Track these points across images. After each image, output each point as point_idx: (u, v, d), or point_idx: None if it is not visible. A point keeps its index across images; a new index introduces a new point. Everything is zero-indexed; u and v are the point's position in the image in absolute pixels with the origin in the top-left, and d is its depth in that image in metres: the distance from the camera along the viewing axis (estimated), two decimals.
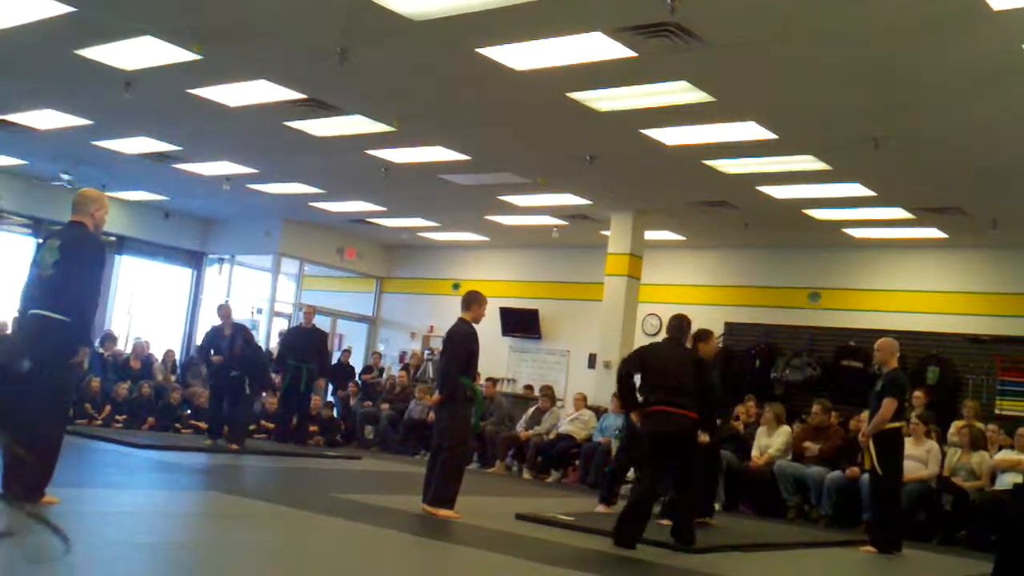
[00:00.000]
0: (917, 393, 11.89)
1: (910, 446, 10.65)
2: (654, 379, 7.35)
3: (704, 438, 7.84)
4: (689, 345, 8.58)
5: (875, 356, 9.11)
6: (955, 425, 11.26)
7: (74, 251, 6.10)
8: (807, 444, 11.39)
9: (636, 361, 7.52)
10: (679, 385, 7.23)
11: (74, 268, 6.06)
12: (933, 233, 12.92)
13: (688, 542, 7.19)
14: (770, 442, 11.37)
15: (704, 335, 8.74)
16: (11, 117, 12.36)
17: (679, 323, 7.75)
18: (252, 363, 12.48)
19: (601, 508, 9.22)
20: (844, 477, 10.79)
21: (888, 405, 8.46)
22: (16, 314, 10.08)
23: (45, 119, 12.28)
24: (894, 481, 8.69)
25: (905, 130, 9.18)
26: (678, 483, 7.51)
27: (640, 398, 7.46)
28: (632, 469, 9.08)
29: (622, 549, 6.88)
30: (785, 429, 11.58)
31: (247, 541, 5.97)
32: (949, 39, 7.14)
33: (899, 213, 12.15)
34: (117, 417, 13.51)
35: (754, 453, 11.51)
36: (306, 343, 13.53)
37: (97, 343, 14.93)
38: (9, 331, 12.48)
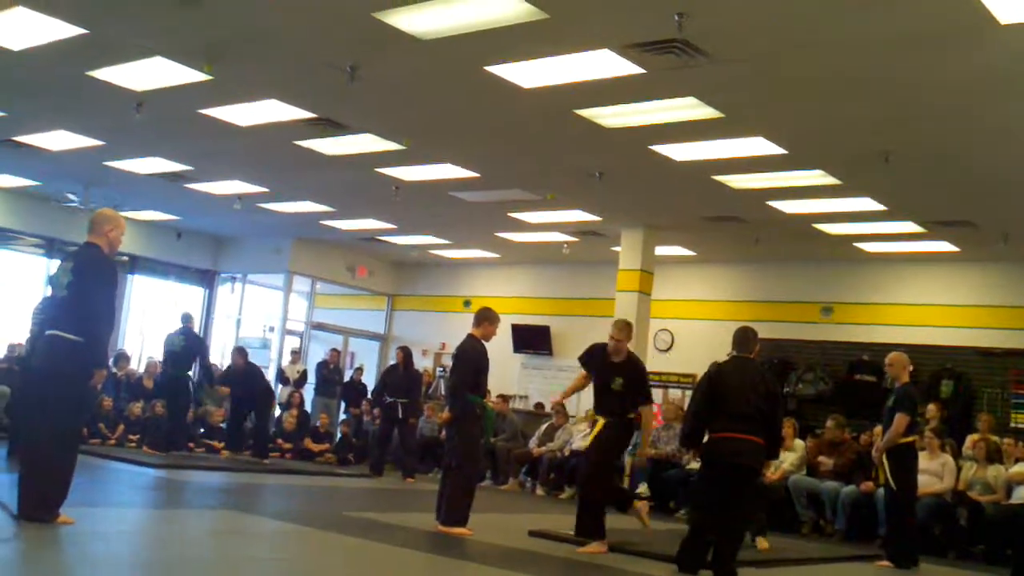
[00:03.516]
0: (931, 407, 11.85)
1: (925, 460, 10.61)
2: (720, 405, 6.65)
3: (771, 472, 7.42)
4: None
5: (887, 371, 9.07)
6: (970, 439, 11.21)
7: (87, 272, 6.14)
8: (821, 459, 11.35)
9: (706, 396, 6.76)
10: (749, 410, 6.57)
11: (88, 289, 6.09)
12: (944, 247, 12.88)
13: None
14: (784, 457, 11.33)
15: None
16: (25, 139, 12.45)
17: (744, 337, 6.98)
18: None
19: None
20: (859, 492, 10.74)
21: (900, 420, 8.40)
22: (30, 334, 10.25)
23: (58, 140, 12.36)
24: (908, 496, 8.64)
25: (914, 144, 9.18)
26: (723, 520, 6.65)
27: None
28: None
29: (683, 575, 6.63)
30: (798, 444, 11.54)
31: (259, 560, 5.97)
32: (957, 52, 7.13)
33: (910, 227, 12.12)
34: (130, 436, 13.53)
35: (768, 468, 11.46)
36: (400, 381, 13.58)
37: (111, 362, 15.00)
38: (23, 351, 12.56)
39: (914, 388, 8.93)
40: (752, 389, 6.64)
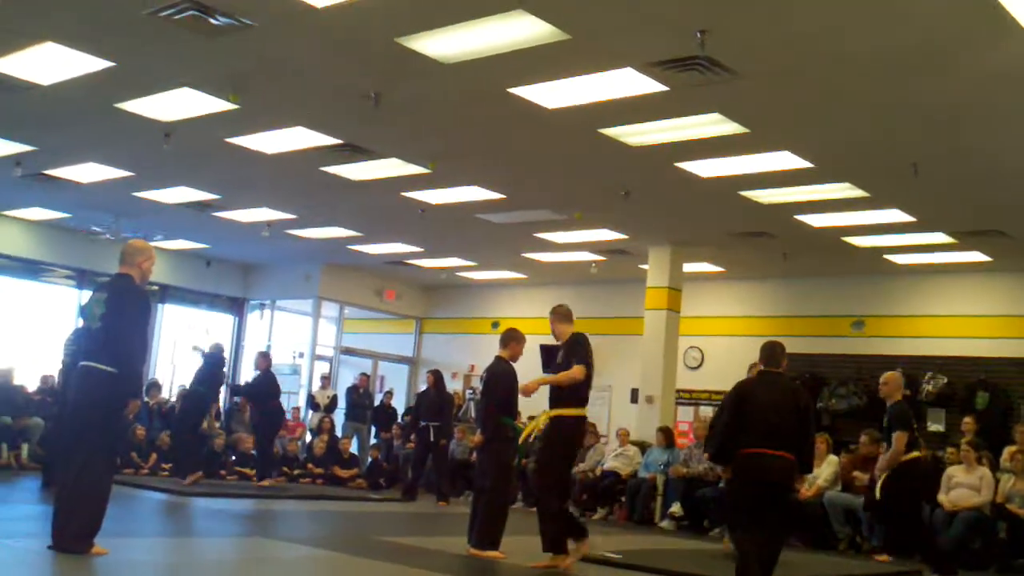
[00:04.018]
0: (967, 419, 11.73)
1: (962, 473, 10.51)
2: (750, 422, 6.50)
3: (806, 489, 7.18)
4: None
5: (881, 390, 9.13)
6: (1007, 451, 11.03)
7: (121, 303, 6.18)
8: (856, 474, 11.22)
9: (733, 413, 6.63)
10: (779, 425, 6.43)
11: (121, 320, 6.14)
12: (976, 257, 12.75)
13: None
14: (818, 473, 11.20)
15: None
16: (56, 172, 12.58)
17: (772, 351, 6.84)
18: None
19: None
20: None
21: (899, 439, 8.51)
22: (62, 365, 10.33)
23: (88, 172, 12.49)
24: (914, 508, 8.85)
25: (942, 154, 9.10)
26: (764, 535, 6.47)
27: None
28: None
29: None
30: (832, 459, 11.42)
31: None
32: (980, 58, 7.07)
33: (940, 238, 12.01)
34: (163, 465, 13.60)
35: (802, 485, 11.34)
36: (432, 404, 13.52)
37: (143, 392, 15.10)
38: (56, 382, 12.66)
39: (906, 405, 8.99)
40: (782, 404, 6.54)
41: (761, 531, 6.46)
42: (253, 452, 14.18)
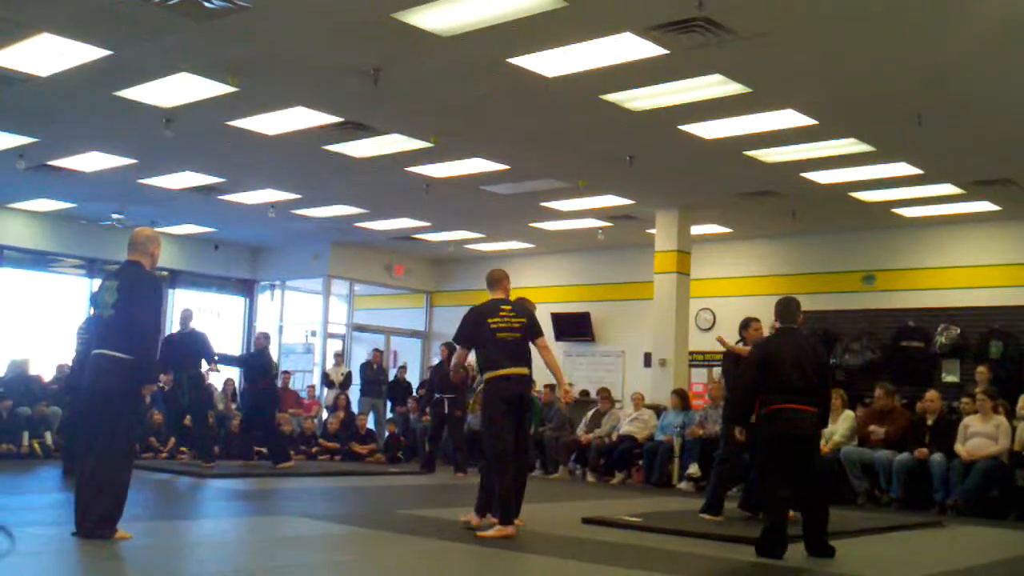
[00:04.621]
0: (980, 368, 11.74)
1: (978, 422, 10.52)
2: (775, 379, 6.57)
3: (823, 444, 7.21)
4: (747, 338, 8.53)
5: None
6: (1023, 398, 11.05)
7: (133, 290, 6.22)
8: (872, 428, 11.26)
9: (759, 370, 6.68)
10: (803, 380, 6.54)
11: (134, 307, 6.18)
12: (985, 206, 12.70)
13: (831, 554, 6.51)
14: (834, 428, 11.22)
15: (746, 323, 8.70)
16: (59, 162, 12.60)
17: (788, 307, 6.90)
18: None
19: (707, 517, 8.36)
20: (913, 459, 10.64)
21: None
22: (76, 354, 10.37)
23: (91, 161, 12.50)
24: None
25: (947, 103, 9.05)
26: (804, 493, 6.61)
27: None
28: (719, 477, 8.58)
29: (766, 559, 6.46)
30: (848, 414, 11.44)
31: (315, 564, 6.01)
32: (982, 6, 7.01)
33: (948, 189, 11.97)
34: (182, 449, 13.68)
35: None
36: (446, 377, 13.43)
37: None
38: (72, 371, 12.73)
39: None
40: (804, 359, 6.62)
41: (798, 486, 6.54)
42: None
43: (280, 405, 14.49)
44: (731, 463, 8.52)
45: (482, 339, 7.41)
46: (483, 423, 7.56)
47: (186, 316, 12.41)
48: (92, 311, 6.83)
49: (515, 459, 7.32)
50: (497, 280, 7.77)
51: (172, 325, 18.16)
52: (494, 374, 7.35)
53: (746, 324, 8.72)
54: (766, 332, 8.13)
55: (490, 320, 7.43)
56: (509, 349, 7.35)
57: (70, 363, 11.69)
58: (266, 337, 13.61)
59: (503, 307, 7.51)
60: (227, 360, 13.68)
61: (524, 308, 7.65)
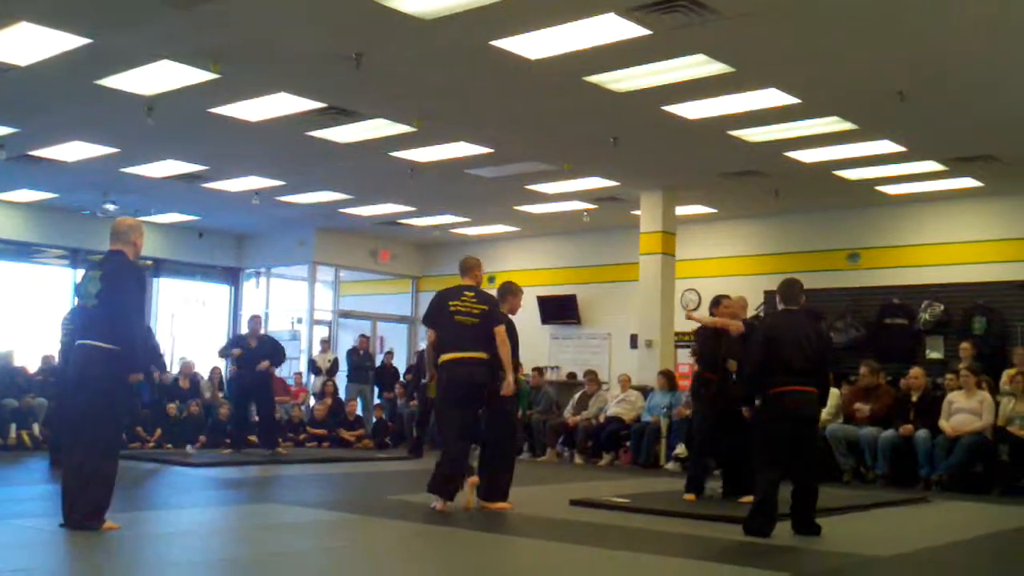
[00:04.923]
0: (964, 345, 11.82)
1: (962, 398, 10.59)
2: (780, 360, 6.59)
3: None
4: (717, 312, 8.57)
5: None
6: (1006, 374, 11.12)
7: (117, 280, 6.19)
8: (857, 405, 11.32)
9: (763, 353, 6.67)
10: (805, 361, 6.59)
11: (118, 297, 6.14)
12: (967, 183, 12.75)
13: (817, 531, 6.60)
14: None
15: (716, 301, 8.73)
16: (40, 152, 12.53)
17: (791, 289, 6.95)
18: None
19: (689, 497, 8.42)
20: (898, 436, 10.72)
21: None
22: (60, 345, 10.34)
23: (73, 151, 12.43)
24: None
25: (929, 80, 9.07)
26: (800, 470, 6.66)
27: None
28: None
29: (753, 537, 6.52)
30: (833, 392, 11.47)
31: (306, 550, 6.02)
32: None
33: (931, 166, 12.01)
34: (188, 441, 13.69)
35: None
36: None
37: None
38: (56, 362, 12.68)
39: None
40: (807, 341, 6.68)
41: (798, 466, 6.63)
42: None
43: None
44: (708, 442, 8.55)
45: (441, 321, 7.61)
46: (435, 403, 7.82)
47: (256, 323, 13.18)
48: (76, 301, 6.79)
49: (468, 440, 7.67)
50: (468, 268, 7.94)
51: (158, 314, 18.25)
52: (447, 357, 7.53)
53: (717, 302, 8.73)
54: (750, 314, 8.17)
55: (451, 303, 7.60)
56: (465, 333, 7.51)
57: (55, 355, 11.66)
58: (257, 319, 13.60)
59: (467, 292, 7.69)
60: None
61: (487, 296, 7.79)
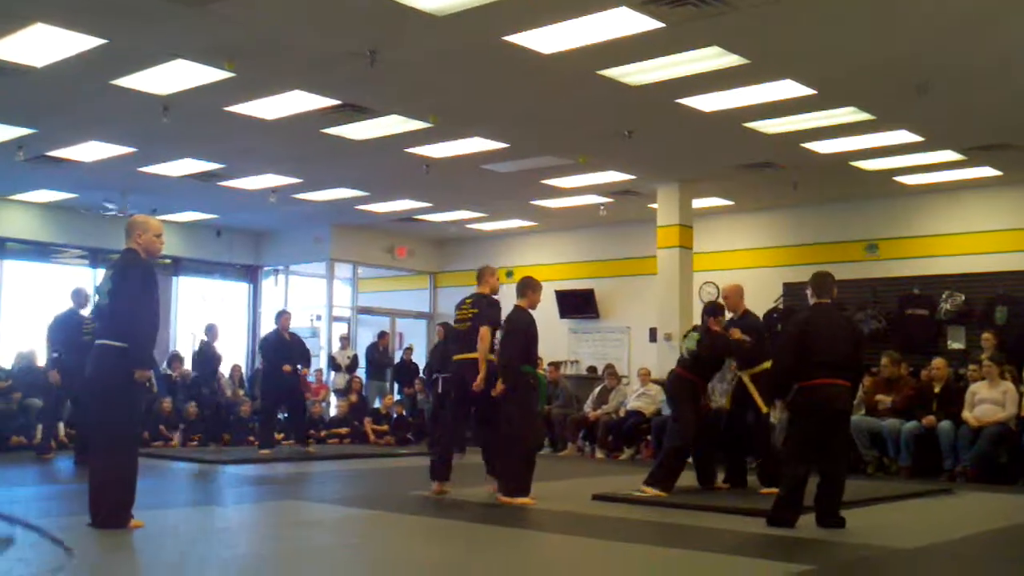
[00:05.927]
0: (986, 335, 11.73)
1: (984, 389, 10.54)
2: (815, 354, 6.60)
3: None
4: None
5: (724, 303, 9.00)
6: None
7: (122, 278, 6.22)
8: (880, 397, 11.27)
9: (797, 349, 6.67)
10: (839, 355, 6.61)
11: (125, 293, 6.17)
12: (986, 172, 12.66)
13: (841, 524, 6.62)
14: None
15: (713, 311, 8.76)
16: (58, 153, 12.58)
17: (824, 282, 6.92)
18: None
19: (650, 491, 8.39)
20: (921, 427, 10.66)
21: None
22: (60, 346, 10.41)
23: (90, 151, 12.48)
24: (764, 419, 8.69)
25: (946, 69, 9.00)
26: (830, 463, 6.69)
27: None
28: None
29: (777, 528, 6.56)
30: None
31: (328, 546, 6.04)
32: None
33: (949, 155, 11.92)
34: (192, 436, 13.72)
35: None
36: (442, 356, 13.39)
37: (164, 365, 15.18)
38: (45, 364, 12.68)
39: (754, 315, 9.05)
40: (840, 335, 6.70)
41: (828, 459, 6.66)
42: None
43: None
44: (684, 446, 8.49)
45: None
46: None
47: (286, 319, 13.11)
48: (96, 299, 6.86)
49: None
50: (480, 276, 8.49)
51: (177, 313, 18.31)
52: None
53: (714, 311, 8.69)
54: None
55: (456, 312, 8.42)
56: (459, 337, 8.30)
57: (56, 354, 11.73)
58: (287, 314, 13.49)
59: (467, 300, 8.36)
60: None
61: (481, 301, 8.23)
